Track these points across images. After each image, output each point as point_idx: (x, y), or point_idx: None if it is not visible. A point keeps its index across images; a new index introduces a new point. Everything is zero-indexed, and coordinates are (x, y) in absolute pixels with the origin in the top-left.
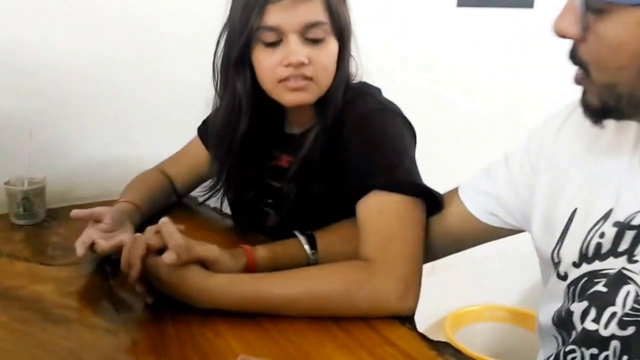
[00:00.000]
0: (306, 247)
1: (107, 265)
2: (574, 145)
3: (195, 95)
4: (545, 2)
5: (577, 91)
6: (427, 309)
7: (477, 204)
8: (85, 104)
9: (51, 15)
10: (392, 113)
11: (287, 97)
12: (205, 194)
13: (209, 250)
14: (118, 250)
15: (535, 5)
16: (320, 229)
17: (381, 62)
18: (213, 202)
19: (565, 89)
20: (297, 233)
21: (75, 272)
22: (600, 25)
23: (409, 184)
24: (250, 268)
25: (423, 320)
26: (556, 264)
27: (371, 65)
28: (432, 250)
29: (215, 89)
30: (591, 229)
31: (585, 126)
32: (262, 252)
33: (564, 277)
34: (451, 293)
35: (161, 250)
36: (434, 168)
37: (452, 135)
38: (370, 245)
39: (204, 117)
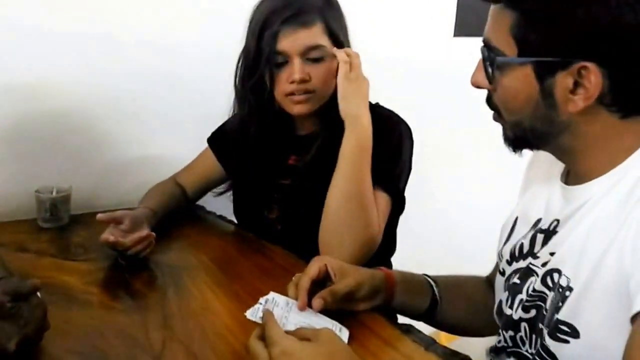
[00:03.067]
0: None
1: (122, 260)
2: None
3: (210, 109)
4: None
5: None
6: None
7: None
8: (108, 123)
9: (77, 36)
10: (396, 120)
11: (293, 108)
12: (221, 191)
13: (348, 284)
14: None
15: None
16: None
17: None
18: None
19: None
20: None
21: (95, 266)
22: (503, 79)
23: (398, 190)
24: (390, 281)
25: None
26: (501, 262)
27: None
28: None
29: (235, 101)
30: (525, 235)
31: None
32: (395, 272)
33: (502, 273)
34: None
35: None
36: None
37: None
38: None
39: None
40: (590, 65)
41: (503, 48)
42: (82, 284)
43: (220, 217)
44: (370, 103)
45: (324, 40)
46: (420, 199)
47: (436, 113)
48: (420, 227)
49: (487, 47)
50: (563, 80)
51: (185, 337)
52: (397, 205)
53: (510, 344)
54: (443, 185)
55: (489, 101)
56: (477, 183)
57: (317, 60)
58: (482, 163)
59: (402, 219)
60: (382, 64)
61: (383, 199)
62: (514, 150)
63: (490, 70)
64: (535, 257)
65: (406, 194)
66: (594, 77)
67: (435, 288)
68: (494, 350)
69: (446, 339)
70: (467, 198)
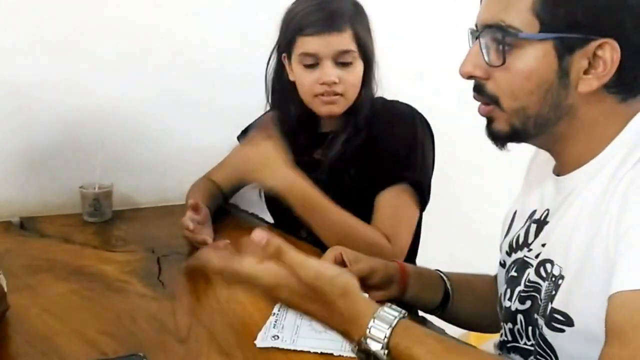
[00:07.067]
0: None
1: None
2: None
3: (249, 106)
4: None
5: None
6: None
7: None
8: (148, 123)
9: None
10: (418, 117)
11: (321, 109)
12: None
13: (362, 268)
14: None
15: None
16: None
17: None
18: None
19: None
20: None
21: (132, 257)
22: (516, 60)
23: (424, 187)
24: (403, 273)
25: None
26: (501, 255)
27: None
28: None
29: (267, 99)
30: (522, 227)
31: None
32: (408, 265)
33: (503, 265)
34: None
35: None
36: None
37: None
38: (385, 226)
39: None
40: (610, 41)
41: (520, 26)
42: (120, 273)
43: (253, 214)
44: (382, 99)
45: (353, 46)
46: (445, 200)
47: (468, 114)
48: (448, 230)
49: (497, 28)
50: (579, 60)
51: (209, 323)
52: (421, 200)
53: (510, 338)
54: (471, 187)
55: (481, 90)
56: (505, 183)
57: (346, 65)
58: (510, 163)
59: (431, 222)
60: (415, 67)
61: (404, 203)
62: (502, 146)
63: (498, 53)
64: (529, 248)
65: (434, 197)
66: (611, 54)
67: (447, 283)
68: (498, 346)
69: (475, 339)
70: (495, 201)
